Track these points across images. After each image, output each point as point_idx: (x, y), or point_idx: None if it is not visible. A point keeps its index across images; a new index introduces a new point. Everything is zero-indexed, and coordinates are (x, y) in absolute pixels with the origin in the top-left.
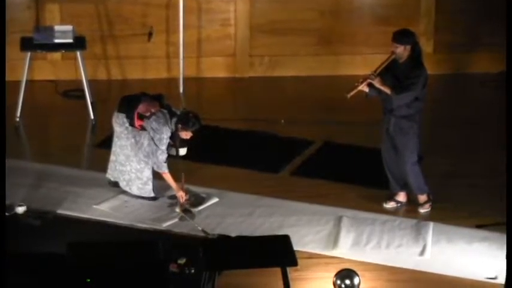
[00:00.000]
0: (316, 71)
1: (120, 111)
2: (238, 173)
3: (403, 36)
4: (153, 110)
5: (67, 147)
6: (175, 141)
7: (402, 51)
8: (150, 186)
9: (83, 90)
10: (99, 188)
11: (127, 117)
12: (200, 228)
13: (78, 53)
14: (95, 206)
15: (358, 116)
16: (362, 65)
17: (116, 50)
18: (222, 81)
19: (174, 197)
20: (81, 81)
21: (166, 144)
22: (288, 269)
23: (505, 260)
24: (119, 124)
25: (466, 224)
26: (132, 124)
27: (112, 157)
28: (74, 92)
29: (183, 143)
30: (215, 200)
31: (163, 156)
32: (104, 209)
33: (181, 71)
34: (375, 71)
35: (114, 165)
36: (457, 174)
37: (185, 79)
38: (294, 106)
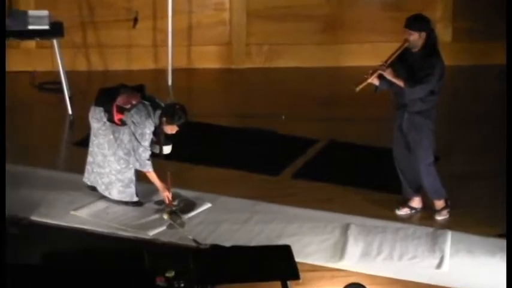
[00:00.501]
0: (320, 61)
1: (97, 104)
2: (234, 175)
3: (417, 22)
4: (134, 102)
5: (42, 146)
6: (159, 137)
7: (416, 38)
8: (132, 189)
9: (60, 83)
10: (77, 192)
11: (105, 111)
12: (191, 237)
13: (54, 41)
14: (72, 212)
15: (366, 111)
16: (371, 54)
17: (97, 37)
18: (215, 72)
19: (161, 202)
20: (58, 73)
21: (149, 140)
22: (289, 283)
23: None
24: (97, 119)
25: (488, 232)
26: (110, 119)
27: (89, 158)
28: (50, 84)
29: (168, 139)
30: (207, 205)
31: (146, 153)
32: (83, 216)
33: (169, 62)
34: (386, 62)
35: (91, 168)
36: (477, 176)
37: (174, 70)
38: (296, 101)
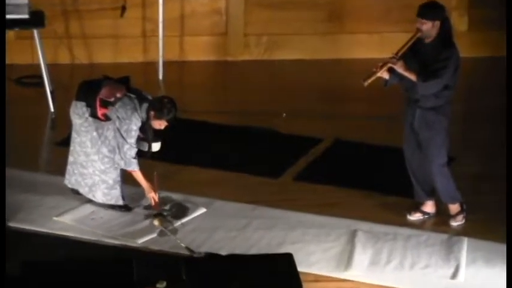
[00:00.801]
0: (324, 53)
1: (78, 99)
2: (230, 177)
3: (431, 10)
4: (118, 95)
5: (22, 146)
6: (146, 133)
7: (430, 28)
8: (117, 191)
9: (40, 77)
10: (60, 196)
11: (87, 105)
12: (183, 245)
13: (35, 32)
14: (55, 218)
15: (375, 108)
16: (379, 45)
17: (81, 27)
18: (210, 65)
19: (150, 207)
20: (38, 66)
21: (136, 136)
22: None
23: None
24: (78, 115)
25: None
26: (93, 114)
27: (70, 158)
28: (30, 78)
29: (157, 136)
30: (202, 210)
31: (131, 151)
32: (67, 222)
33: (160, 54)
34: (397, 54)
35: (73, 168)
36: (496, 178)
37: (165, 63)
38: (298, 96)
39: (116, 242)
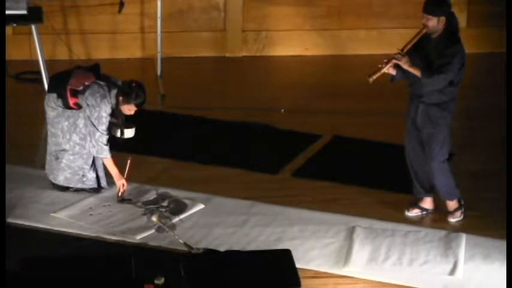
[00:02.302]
0: (323, 49)
1: (50, 91)
2: (229, 173)
3: (436, 5)
4: (86, 83)
5: (19, 142)
6: (118, 118)
7: (435, 24)
8: (79, 177)
9: (38, 73)
10: (57, 191)
11: (58, 96)
12: (182, 241)
13: (33, 27)
14: (52, 214)
15: (373, 104)
16: (379, 42)
17: (79, 23)
18: (208, 61)
19: (149, 202)
20: (36, 62)
21: (106, 123)
22: None
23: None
24: (52, 108)
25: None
26: (66, 104)
27: (48, 149)
28: (28, 74)
29: (130, 122)
30: (200, 206)
31: (103, 138)
32: (64, 218)
33: (158, 49)
34: (402, 49)
35: (50, 159)
36: (496, 175)
37: (163, 59)
38: (297, 92)
39: (114, 238)
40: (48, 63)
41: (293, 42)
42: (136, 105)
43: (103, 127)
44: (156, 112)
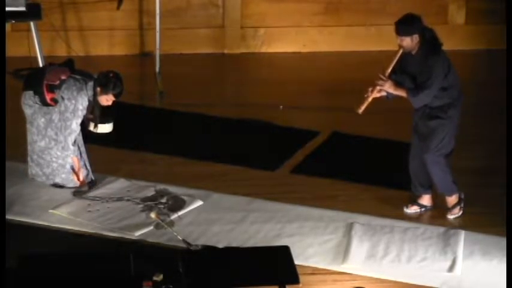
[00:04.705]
0: (322, 45)
1: (26, 89)
2: (227, 170)
3: (405, 26)
4: (63, 77)
5: (17, 138)
6: (95, 111)
7: (409, 43)
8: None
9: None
10: (56, 188)
11: (35, 93)
12: (180, 238)
13: (31, 24)
14: (51, 211)
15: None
16: (376, 38)
17: (78, 20)
18: (207, 58)
19: (147, 199)
20: (35, 58)
21: (82, 116)
22: None
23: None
24: (29, 105)
25: (505, 232)
26: (43, 101)
27: (28, 147)
28: (26, 71)
29: (108, 116)
30: (199, 203)
31: (72, 136)
32: (63, 214)
33: (157, 46)
34: (384, 74)
35: (31, 159)
36: (495, 172)
37: (162, 56)
38: (295, 89)
39: (113, 235)
40: (47, 60)
41: (291, 38)
42: (114, 95)
43: (78, 120)
44: (154, 109)
